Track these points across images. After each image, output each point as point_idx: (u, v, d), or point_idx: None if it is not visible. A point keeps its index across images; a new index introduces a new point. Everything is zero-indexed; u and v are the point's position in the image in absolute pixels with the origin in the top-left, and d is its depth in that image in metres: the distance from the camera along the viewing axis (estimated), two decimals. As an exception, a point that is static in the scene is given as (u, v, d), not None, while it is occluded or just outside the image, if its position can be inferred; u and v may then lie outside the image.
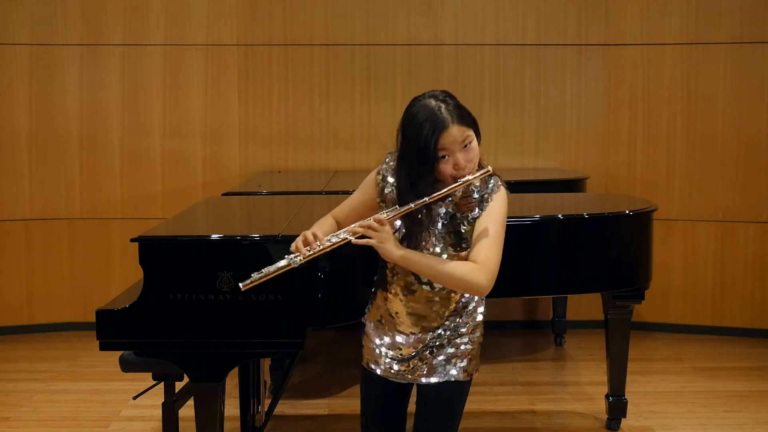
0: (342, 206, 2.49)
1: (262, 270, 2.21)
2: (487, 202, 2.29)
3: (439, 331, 2.36)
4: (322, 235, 2.27)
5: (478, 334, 2.42)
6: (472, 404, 4.29)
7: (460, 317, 2.38)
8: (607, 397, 3.95)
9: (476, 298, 2.40)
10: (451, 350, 2.37)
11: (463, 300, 2.38)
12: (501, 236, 2.26)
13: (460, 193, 2.30)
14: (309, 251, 2.22)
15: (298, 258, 2.22)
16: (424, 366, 2.37)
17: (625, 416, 3.96)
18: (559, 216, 3.55)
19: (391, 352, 2.40)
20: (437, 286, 2.33)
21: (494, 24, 5.66)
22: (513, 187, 4.82)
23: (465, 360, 2.38)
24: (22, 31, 5.52)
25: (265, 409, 3.82)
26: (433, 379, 2.37)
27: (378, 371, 2.44)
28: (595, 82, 5.67)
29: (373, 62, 5.67)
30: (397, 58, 5.66)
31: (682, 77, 5.57)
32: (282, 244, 2.87)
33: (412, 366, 2.38)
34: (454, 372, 2.37)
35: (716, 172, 5.57)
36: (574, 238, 3.59)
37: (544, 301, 5.77)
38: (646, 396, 4.43)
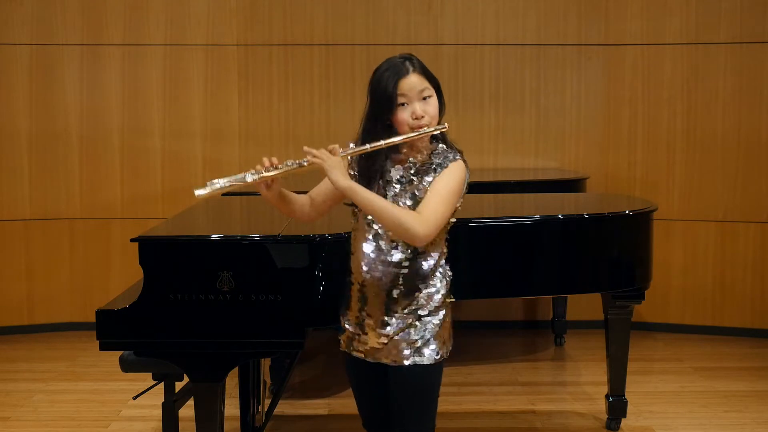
0: (318, 187, 2.57)
1: (220, 179, 2.28)
2: (443, 168, 2.36)
3: None
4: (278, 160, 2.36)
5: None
6: (472, 404, 4.32)
7: None
8: (607, 397, 3.95)
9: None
10: None
11: None
12: (449, 199, 2.33)
13: (419, 159, 2.37)
14: (265, 171, 2.32)
15: (255, 175, 2.31)
16: None
17: (625, 416, 3.96)
18: (559, 216, 3.55)
19: None
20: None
21: (494, 24, 5.65)
22: (513, 187, 4.93)
23: None
24: (22, 31, 5.52)
25: (265, 409, 3.81)
26: None
27: None
28: (595, 82, 5.67)
29: (373, 62, 5.54)
30: (397, 58, 5.64)
31: (682, 77, 5.57)
32: (282, 244, 2.88)
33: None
34: None
35: (716, 172, 5.57)
36: (574, 238, 3.59)
37: (544, 301, 5.77)
38: (646, 396, 4.43)
